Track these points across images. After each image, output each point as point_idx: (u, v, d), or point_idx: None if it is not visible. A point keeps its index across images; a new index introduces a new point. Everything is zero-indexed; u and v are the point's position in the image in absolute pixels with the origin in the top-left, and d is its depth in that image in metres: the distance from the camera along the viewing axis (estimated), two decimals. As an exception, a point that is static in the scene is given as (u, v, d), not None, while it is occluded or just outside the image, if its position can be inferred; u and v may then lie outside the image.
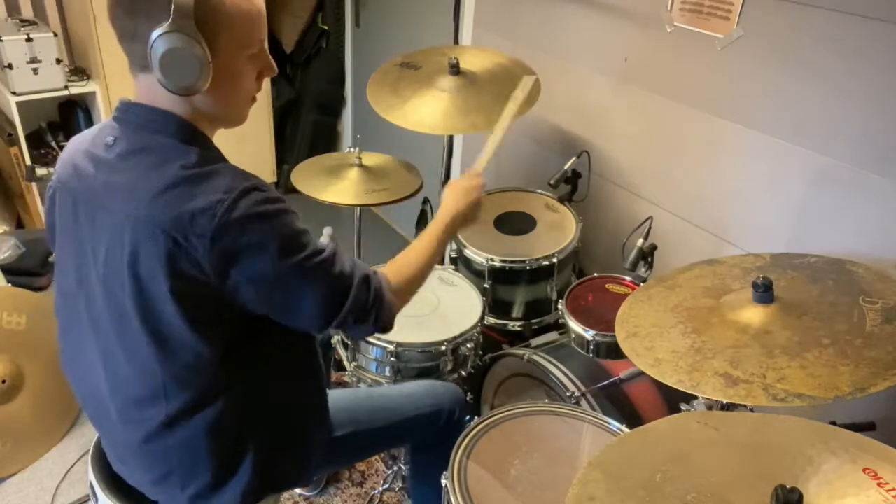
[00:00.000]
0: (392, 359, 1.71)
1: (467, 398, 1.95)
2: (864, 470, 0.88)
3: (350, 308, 1.12)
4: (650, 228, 1.83)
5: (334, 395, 1.41)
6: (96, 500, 1.29)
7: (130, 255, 1.02)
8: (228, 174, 1.04)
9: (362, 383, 1.79)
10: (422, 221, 2.21)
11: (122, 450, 1.23)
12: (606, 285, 1.89)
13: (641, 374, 1.25)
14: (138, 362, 1.09)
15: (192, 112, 1.07)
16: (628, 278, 1.88)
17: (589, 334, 1.71)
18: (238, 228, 1.00)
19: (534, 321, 2.07)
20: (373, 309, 1.16)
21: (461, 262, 2.07)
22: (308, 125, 3.73)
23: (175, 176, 1.02)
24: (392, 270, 1.25)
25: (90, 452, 1.32)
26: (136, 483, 1.24)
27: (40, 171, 2.97)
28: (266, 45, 1.13)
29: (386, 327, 1.20)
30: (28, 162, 2.91)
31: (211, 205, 0.99)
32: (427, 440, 1.54)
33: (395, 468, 2.07)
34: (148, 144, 1.06)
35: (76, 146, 1.14)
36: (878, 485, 0.85)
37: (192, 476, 1.17)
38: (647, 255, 1.80)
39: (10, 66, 2.76)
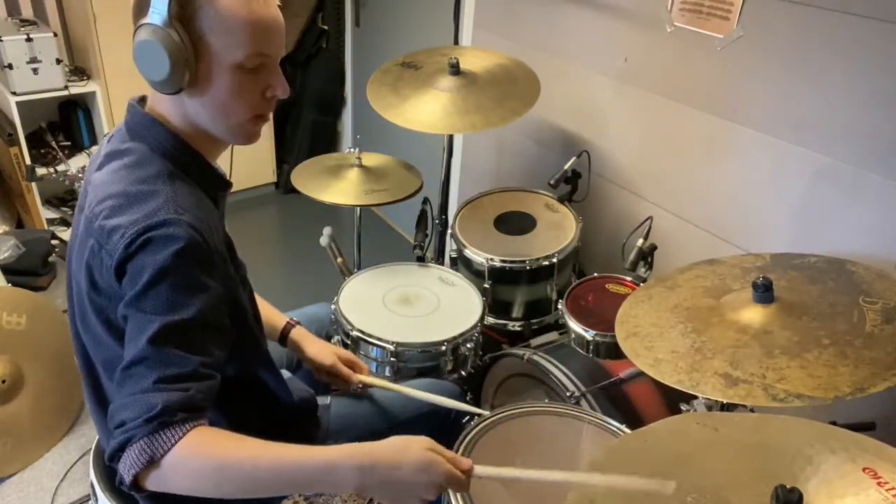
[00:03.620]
0: (392, 359, 1.71)
1: (467, 398, 1.95)
2: (864, 469, 0.88)
3: (118, 404, 0.92)
4: (650, 228, 1.83)
5: (332, 401, 1.40)
6: (96, 500, 1.29)
7: (78, 252, 1.05)
8: (162, 198, 0.99)
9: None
10: (422, 221, 2.20)
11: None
12: (606, 285, 1.89)
13: (641, 373, 1.25)
14: (96, 354, 1.10)
15: (186, 122, 1.07)
16: (628, 278, 1.87)
17: (589, 334, 1.71)
18: (136, 250, 0.96)
19: (534, 321, 2.07)
20: (136, 436, 0.89)
21: (461, 262, 2.07)
22: (308, 125, 3.73)
23: (123, 187, 1.01)
24: (210, 442, 0.93)
25: (90, 452, 1.33)
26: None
27: (40, 171, 2.98)
28: (275, 62, 1.06)
29: (122, 480, 0.91)
30: (28, 162, 2.91)
31: (127, 224, 0.97)
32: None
33: (395, 468, 2.06)
34: (129, 148, 1.06)
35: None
36: (878, 484, 0.85)
37: None
38: (647, 255, 1.80)
39: (10, 66, 2.76)
